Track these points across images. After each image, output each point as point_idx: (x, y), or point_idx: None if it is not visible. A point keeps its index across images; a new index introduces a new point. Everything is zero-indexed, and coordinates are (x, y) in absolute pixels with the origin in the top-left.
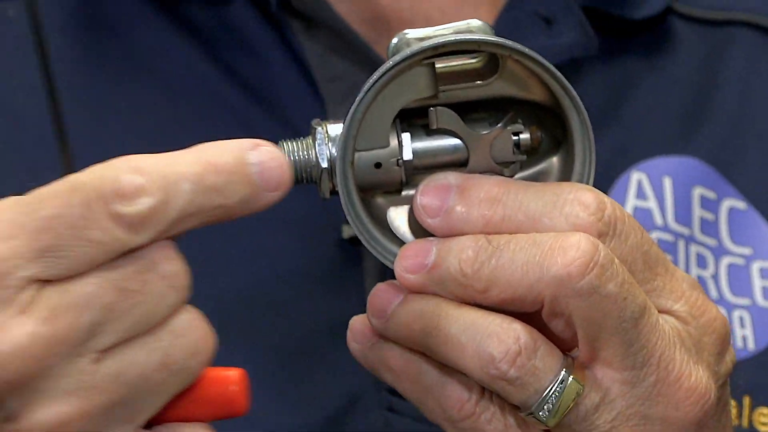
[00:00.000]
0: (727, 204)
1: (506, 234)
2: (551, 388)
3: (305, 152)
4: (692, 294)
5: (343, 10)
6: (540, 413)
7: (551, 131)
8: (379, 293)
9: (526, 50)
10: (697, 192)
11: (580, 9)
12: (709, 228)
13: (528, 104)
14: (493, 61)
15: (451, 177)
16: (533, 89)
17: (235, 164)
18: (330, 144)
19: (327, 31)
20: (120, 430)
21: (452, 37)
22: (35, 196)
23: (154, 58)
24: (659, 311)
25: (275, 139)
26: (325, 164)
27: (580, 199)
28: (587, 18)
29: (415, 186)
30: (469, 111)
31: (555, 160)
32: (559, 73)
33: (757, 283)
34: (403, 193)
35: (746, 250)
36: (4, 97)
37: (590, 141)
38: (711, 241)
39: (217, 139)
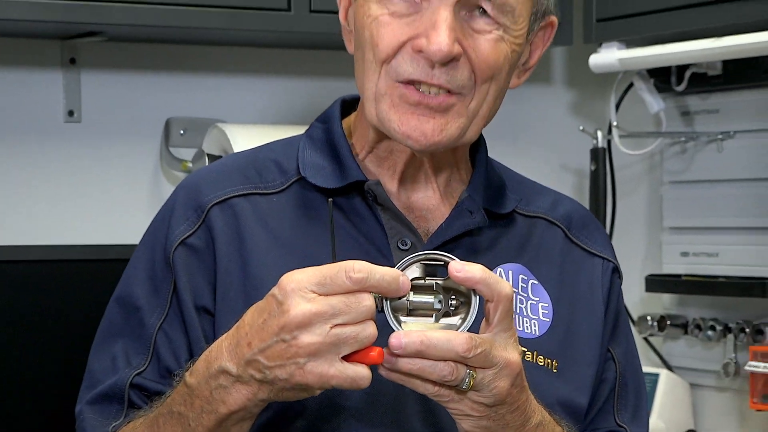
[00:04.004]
0: (531, 281)
1: (439, 332)
2: (465, 379)
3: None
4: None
5: (393, 196)
6: (463, 386)
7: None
8: (387, 355)
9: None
10: (521, 276)
11: (482, 207)
12: (525, 290)
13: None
14: None
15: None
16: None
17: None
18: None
19: (389, 210)
20: (331, 357)
21: (418, 256)
22: (329, 266)
23: (328, 220)
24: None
25: (375, 257)
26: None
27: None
28: (484, 211)
29: (413, 314)
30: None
31: (464, 310)
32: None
33: (540, 309)
34: (407, 317)
35: (535, 299)
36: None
37: (478, 301)
38: (522, 294)
39: (353, 254)
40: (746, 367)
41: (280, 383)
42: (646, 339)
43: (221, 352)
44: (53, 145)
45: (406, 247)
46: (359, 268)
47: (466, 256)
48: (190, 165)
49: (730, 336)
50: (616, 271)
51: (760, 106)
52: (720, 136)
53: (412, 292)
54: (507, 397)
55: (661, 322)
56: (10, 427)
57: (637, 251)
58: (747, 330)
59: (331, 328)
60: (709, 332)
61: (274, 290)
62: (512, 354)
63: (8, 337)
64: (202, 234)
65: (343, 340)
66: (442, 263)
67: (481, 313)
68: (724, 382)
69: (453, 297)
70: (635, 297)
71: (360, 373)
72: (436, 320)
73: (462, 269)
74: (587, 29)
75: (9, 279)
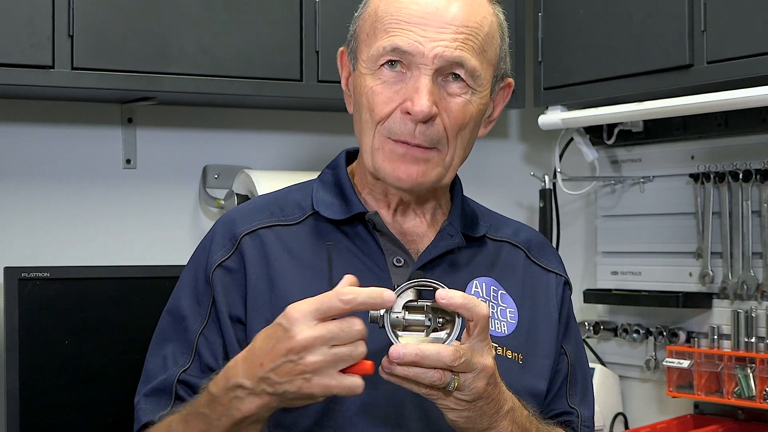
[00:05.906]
0: (500, 291)
1: (430, 346)
2: (450, 383)
3: (377, 311)
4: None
5: (388, 224)
6: (449, 388)
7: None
8: (386, 362)
9: (438, 285)
10: (492, 287)
11: (460, 231)
12: (495, 298)
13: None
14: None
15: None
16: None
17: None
18: (384, 310)
19: (386, 235)
20: (332, 371)
21: (412, 283)
22: (324, 294)
23: (338, 244)
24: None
25: (375, 272)
26: (381, 313)
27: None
28: (462, 235)
29: (408, 330)
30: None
31: (449, 326)
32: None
33: (508, 313)
34: (403, 332)
35: (504, 305)
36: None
37: (462, 319)
38: (494, 302)
39: (357, 271)
40: (664, 363)
41: (289, 395)
42: (584, 340)
43: (237, 370)
44: (114, 187)
45: (400, 264)
46: (347, 292)
47: (448, 271)
48: (223, 202)
49: (651, 338)
50: (567, 284)
51: (673, 156)
52: (642, 180)
53: (407, 312)
54: (483, 393)
55: (596, 327)
56: (83, 412)
57: (576, 270)
58: (664, 333)
59: (330, 348)
60: (634, 335)
61: (281, 319)
62: (487, 359)
63: (82, 339)
64: (235, 258)
65: (340, 357)
66: (431, 288)
67: (463, 327)
68: (646, 374)
69: (440, 315)
70: (575, 307)
71: (355, 382)
72: (427, 335)
73: (446, 296)
74: (537, 95)
75: (80, 292)
